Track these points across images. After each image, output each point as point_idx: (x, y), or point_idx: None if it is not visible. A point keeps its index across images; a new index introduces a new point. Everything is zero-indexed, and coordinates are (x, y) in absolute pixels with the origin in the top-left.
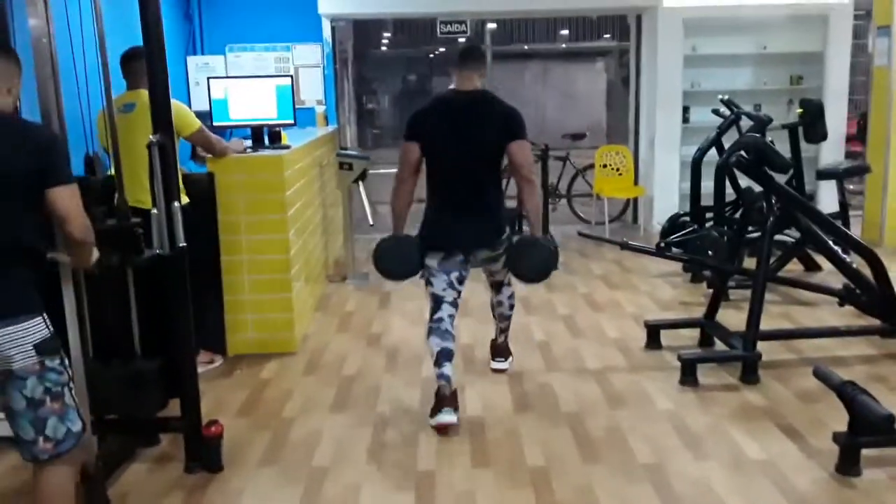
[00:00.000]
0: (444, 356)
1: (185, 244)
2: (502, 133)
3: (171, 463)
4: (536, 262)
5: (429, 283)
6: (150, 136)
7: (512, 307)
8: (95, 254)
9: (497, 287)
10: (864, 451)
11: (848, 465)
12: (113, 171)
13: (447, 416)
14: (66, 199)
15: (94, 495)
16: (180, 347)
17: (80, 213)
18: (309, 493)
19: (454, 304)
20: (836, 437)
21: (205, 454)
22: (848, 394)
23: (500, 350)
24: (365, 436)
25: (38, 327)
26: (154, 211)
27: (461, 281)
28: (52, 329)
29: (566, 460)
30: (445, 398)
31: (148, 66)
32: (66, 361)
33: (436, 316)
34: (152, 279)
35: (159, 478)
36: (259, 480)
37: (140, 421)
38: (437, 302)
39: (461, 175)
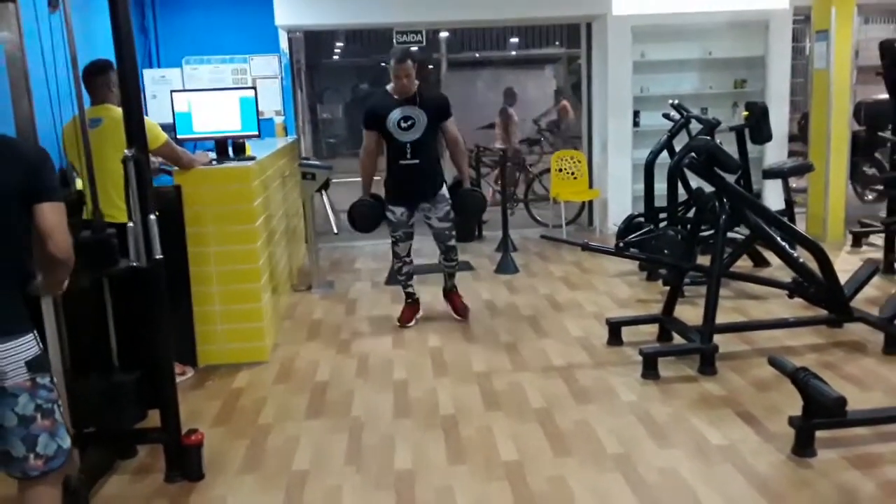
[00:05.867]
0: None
1: (161, 256)
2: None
3: (150, 474)
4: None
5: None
6: (126, 151)
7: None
8: (65, 283)
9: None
10: (818, 433)
11: (803, 446)
12: (81, 186)
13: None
14: (53, 216)
15: None
16: (159, 358)
17: (64, 231)
18: (291, 497)
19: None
20: (792, 421)
21: (186, 463)
22: (801, 379)
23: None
24: (342, 440)
25: (29, 344)
26: (130, 224)
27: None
28: (41, 346)
29: (538, 454)
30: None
31: (121, 81)
32: (54, 379)
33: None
34: (129, 291)
35: (141, 488)
36: (240, 487)
37: (121, 433)
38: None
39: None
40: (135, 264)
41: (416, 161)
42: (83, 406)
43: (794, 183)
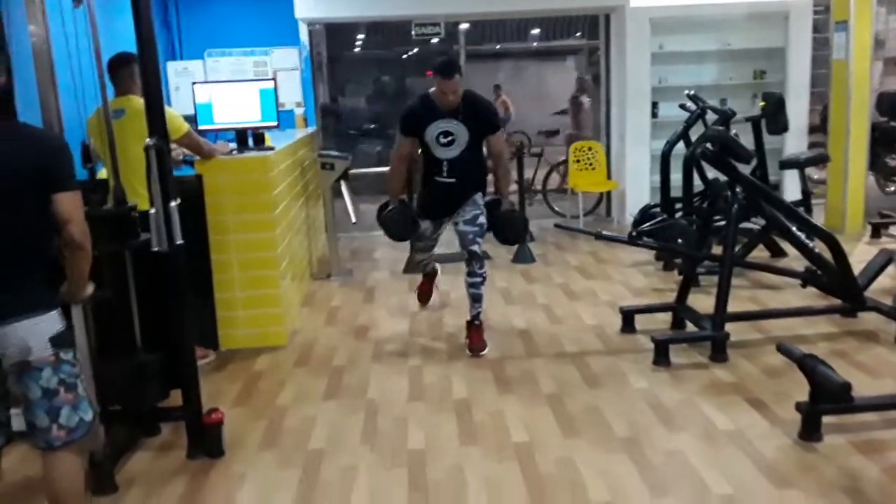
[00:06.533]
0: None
1: (182, 241)
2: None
3: (173, 451)
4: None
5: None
6: (147, 140)
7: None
8: (90, 287)
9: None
10: (825, 419)
11: (810, 431)
12: (106, 174)
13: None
14: (72, 204)
15: (103, 481)
16: (181, 340)
17: (82, 218)
18: (308, 474)
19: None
20: (799, 406)
21: (206, 441)
22: (808, 365)
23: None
24: (357, 421)
25: (54, 321)
26: (152, 211)
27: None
28: (66, 323)
29: (548, 436)
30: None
31: (142, 73)
32: (78, 355)
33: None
34: (151, 276)
35: (163, 464)
36: (259, 464)
37: (144, 411)
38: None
39: None
40: (157, 249)
41: (453, 180)
42: (108, 385)
43: (815, 174)
